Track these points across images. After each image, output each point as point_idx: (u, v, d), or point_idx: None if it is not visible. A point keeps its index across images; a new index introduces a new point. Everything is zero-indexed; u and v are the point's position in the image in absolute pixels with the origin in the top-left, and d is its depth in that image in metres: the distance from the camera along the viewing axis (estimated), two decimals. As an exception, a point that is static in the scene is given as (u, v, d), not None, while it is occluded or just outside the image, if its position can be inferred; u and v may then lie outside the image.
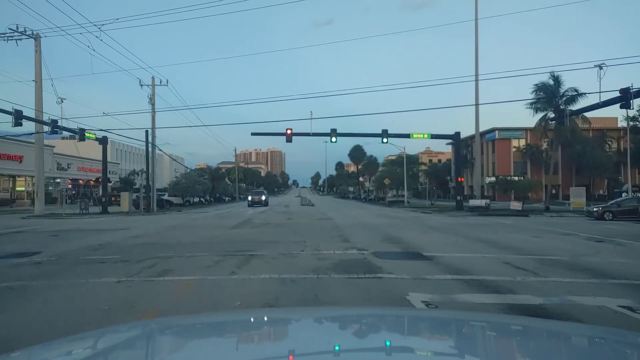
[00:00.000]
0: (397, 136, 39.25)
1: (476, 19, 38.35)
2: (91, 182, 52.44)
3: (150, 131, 38.76)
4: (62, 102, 33.21)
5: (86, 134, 33.73)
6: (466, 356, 1.69)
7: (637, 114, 50.64)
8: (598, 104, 23.11)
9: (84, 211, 33.81)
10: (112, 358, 1.72)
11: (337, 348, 1.68)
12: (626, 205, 27.85)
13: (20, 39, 31.05)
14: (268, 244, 13.61)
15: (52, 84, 66.04)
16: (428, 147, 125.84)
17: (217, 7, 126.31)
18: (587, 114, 34.85)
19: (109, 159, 41.84)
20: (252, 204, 48.91)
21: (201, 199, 59.85)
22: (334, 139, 36.05)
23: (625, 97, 21.00)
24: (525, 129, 61.63)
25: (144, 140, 38.97)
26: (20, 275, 8.86)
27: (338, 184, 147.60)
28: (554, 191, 50.94)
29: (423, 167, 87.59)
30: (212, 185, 64.20)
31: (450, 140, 60.18)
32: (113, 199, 44.72)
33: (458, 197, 38.99)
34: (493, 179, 62.69)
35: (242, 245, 13.39)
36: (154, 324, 2.38)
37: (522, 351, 1.81)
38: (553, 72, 36.58)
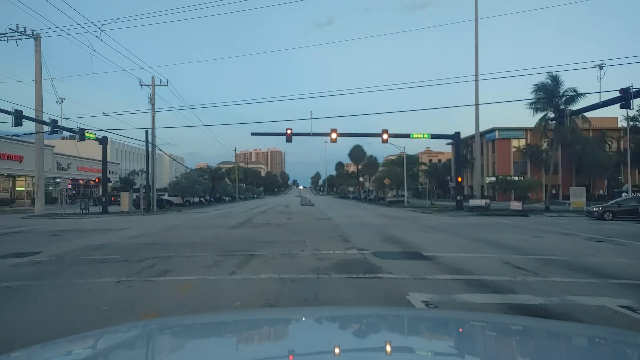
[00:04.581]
0: (397, 136, 39.24)
1: (476, 19, 38.38)
2: (91, 182, 52.47)
3: (150, 131, 38.75)
4: (62, 102, 33.22)
5: (86, 134, 33.72)
6: (466, 356, 1.69)
7: (637, 114, 50.66)
8: (598, 104, 23.10)
9: (84, 211, 33.80)
10: (112, 358, 1.72)
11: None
12: (626, 205, 27.84)
13: (20, 39, 31.04)
14: (268, 244, 13.61)
15: (52, 83, 66.05)
16: (428, 147, 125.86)
17: (218, 7, 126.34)
18: (587, 114, 34.88)
19: (109, 159, 41.82)
20: None
21: (201, 199, 59.82)
22: (333, 139, 36.06)
23: (625, 97, 20.99)
24: (525, 129, 61.64)
25: (144, 140, 38.96)
26: (20, 275, 8.86)
27: (338, 184, 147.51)
28: (554, 191, 50.94)
29: (423, 167, 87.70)
30: (212, 185, 64.18)
31: (450, 140, 60.21)
32: (113, 199, 44.73)
33: (458, 197, 39.00)
34: (493, 179, 62.69)
35: (242, 245, 13.39)
36: (154, 324, 2.38)
37: (522, 351, 1.81)
38: (553, 72, 36.66)
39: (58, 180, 42.24)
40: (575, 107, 34.00)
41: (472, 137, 48.74)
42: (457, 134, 40.22)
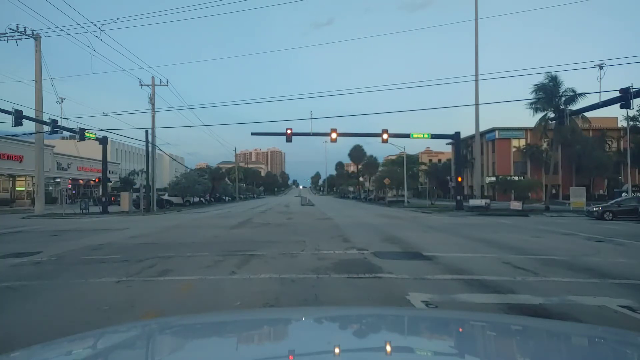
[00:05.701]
0: (397, 136, 39.24)
1: (476, 19, 38.36)
2: (91, 182, 52.47)
3: (150, 131, 38.74)
4: (62, 102, 33.24)
5: (86, 134, 33.73)
6: (466, 356, 1.69)
7: (637, 114, 50.64)
8: (598, 104, 23.11)
9: (84, 211, 33.80)
10: (112, 358, 1.72)
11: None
12: (626, 205, 27.84)
13: (20, 39, 31.04)
14: (268, 243, 13.61)
15: (52, 83, 66.24)
16: (428, 147, 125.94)
17: (218, 7, 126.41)
18: (587, 114, 34.87)
19: (109, 159, 41.82)
20: None
21: (201, 199, 59.83)
22: (333, 139, 36.07)
23: (625, 97, 20.99)
24: (525, 129, 61.65)
25: (144, 140, 38.97)
26: (20, 275, 8.86)
27: (338, 183, 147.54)
28: (554, 191, 50.93)
29: (423, 167, 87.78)
30: (212, 185, 64.14)
31: (450, 140, 60.23)
32: (113, 198, 44.73)
33: (458, 197, 39.01)
34: (493, 178, 62.72)
35: (242, 245, 13.39)
36: (154, 324, 2.38)
37: (522, 351, 1.81)
38: (553, 72, 36.68)
39: (58, 180, 42.28)
40: (575, 107, 33.99)
41: (472, 137, 48.73)
42: (457, 134, 40.21)
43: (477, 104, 38.02)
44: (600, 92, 22.39)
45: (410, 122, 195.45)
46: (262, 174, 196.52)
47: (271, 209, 44.27)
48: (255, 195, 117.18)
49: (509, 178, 58.17)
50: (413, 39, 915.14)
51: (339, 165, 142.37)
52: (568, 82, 74.61)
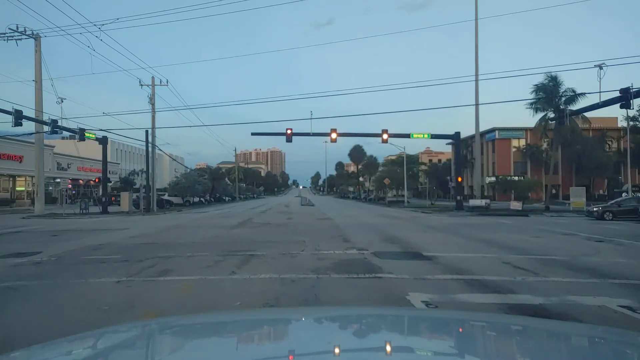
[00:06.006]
0: (397, 136, 39.24)
1: (476, 19, 38.36)
2: (91, 182, 52.48)
3: (150, 131, 38.74)
4: (62, 102, 33.24)
5: (86, 134, 33.72)
6: (466, 356, 1.69)
7: (637, 114, 50.63)
8: (598, 104, 23.11)
9: (84, 211, 33.79)
10: (112, 358, 1.72)
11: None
12: (626, 205, 27.84)
13: (20, 39, 31.04)
14: (268, 243, 13.61)
15: (52, 83, 66.27)
16: (428, 147, 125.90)
17: (218, 7, 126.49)
18: (587, 114, 34.88)
19: (109, 159, 41.81)
20: None
21: (201, 199, 59.83)
22: (333, 139, 36.07)
23: (625, 97, 21.00)
24: (525, 129, 61.65)
25: (144, 140, 38.96)
26: (20, 275, 8.86)
27: (338, 184, 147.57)
28: (554, 191, 50.93)
29: (423, 167, 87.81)
30: (212, 185, 64.14)
31: (450, 140, 60.20)
32: (113, 199, 44.73)
33: (458, 197, 39.01)
34: (493, 179, 62.72)
35: (242, 245, 13.39)
36: (154, 324, 2.38)
37: (522, 351, 1.81)
38: (553, 72, 36.71)
39: (58, 180, 42.28)
40: (575, 107, 34.00)
41: (472, 137, 48.73)
42: (457, 134, 40.21)
43: (477, 104, 38.03)
44: (600, 92, 22.42)
45: (410, 122, 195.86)
46: (262, 174, 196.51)
47: (271, 209, 44.28)
48: (255, 196, 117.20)
49: (509, 178, 58.17)
50: (413, 39, 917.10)
51: (339, 165, 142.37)
52: (568, 82, 74.75)
